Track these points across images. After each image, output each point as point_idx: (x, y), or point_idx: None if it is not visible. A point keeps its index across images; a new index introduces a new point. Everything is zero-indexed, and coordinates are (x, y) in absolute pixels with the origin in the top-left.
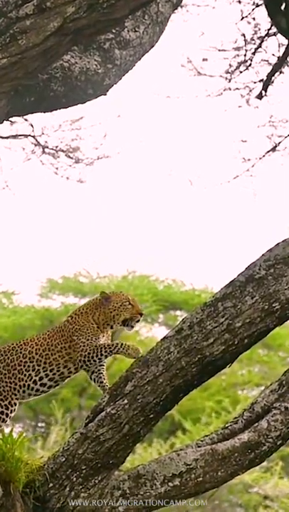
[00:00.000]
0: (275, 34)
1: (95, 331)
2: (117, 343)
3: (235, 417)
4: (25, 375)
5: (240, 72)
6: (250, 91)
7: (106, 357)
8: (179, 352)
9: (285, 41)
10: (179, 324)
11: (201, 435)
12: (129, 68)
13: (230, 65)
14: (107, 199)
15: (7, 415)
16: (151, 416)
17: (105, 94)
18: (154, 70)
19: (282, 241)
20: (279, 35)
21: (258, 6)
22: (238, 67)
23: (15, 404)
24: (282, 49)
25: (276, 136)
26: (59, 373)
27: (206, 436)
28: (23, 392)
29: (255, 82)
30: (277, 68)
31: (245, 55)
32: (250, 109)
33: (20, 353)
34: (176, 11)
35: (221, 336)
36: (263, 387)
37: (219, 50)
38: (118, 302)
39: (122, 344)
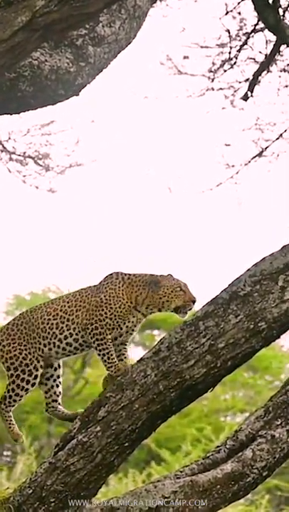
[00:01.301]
0: (262, 30)
1: (126, 311)
2: (113, 354)
3: (218, 446)
4: (49, 333)
5: (225, 70)
6: (235, 91)
7: (96, 347)
8: (157, 375)
9: (272, 37)
10: (156, 345)
11: (181, 465)
12: (103, 66)
13: (213, 63)
14: (79, 211)
15: (31, 384)
16: (126, 444)
17: (78, 95)
18: (130, 68)
19: (269, 255)
20: (266, 31)
21: None
22: (221, 66)
23: (40, 367)
24: (270, 46)
25: (263, 140)
26: (81, 335)
27: (186, 466)
28: (50, 350)
29: (240, 82)
30: (264, 67)
31: (229, 53)
32: (234, 110)
33: (45, 311)
34: (154, 4)
35: (203, 358)
36: (247, 414)
37: (201, 47)
38: (169, 288)
39: (114, 359)
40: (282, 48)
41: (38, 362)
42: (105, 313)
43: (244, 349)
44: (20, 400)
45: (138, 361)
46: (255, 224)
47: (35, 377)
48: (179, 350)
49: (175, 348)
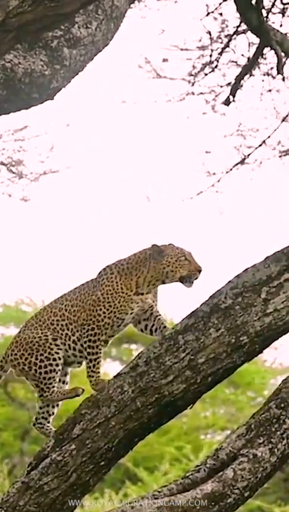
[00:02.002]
0: (244, 32)
1: (126, 303)
2: (98, 365)
3: (198, 465)
4: (61, 334)
5: (205, 74)
6: (217, 96)
7: (87, 347)
8: (134, 391)
9: (255, 40)
10: (134, 359)
11: (159, 485)
12: (79, 69)
13: (193, 67)
14: (53, 220)
15: (55, 365)
16: (102, 463)
17: (52, 99)
18: (107, 71)
19: (251, 266)
20: (249, 33)
21: (225, 0)
22: (202, 69)
23: (57, 353)
24: (253, 49)
25: (245, 147)
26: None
27: (164, 486)
28: (66, 351)
29: (221, 86)
30: (246, 70)
31: (210, 56)
32: (216, 116)
33: (51, 311)
34: (133, 5)
35: (182, 373)
36: (228, 432)
37: (181, 50)
38: (173, 257)
39: (97, 373)
40: (266, 50)
41: (57, 348)
42: (103, 312)
43: (225, 364)
44: (55, 381)
45: (115, 377)
46: (237, 234)
47: (54, 359)
48: (157, 366)
49: (153, 363)
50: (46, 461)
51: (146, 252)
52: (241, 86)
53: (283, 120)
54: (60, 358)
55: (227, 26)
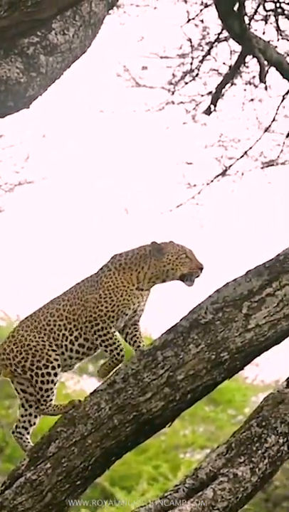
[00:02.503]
0: (226, 39)
1: (129, 296)
2: (119, 347)
3: (176, 485)
4: (58, 335)
5: (186, 83)
6: (197, 105)
7: (101, 342)
8: (111, 408)
9: (237, 47)
10: (111, 376)
11: (136, 505)
12: (56, 77)
13: (173, 75)
14: (28, 232)
15: (53, 374)
16: (78, 482)
17: (28, 108)
18: (85, 79)
19: (232, 281)
20: (231, 41)
21: (206, 6)
22: (182, 78)
23: (56, 360)
24: (235, 57)
25: (226, 158)
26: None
27: (142, 506)
28: (62, 354)
29: (202, 95)
30: (228, 79)
31: (191, 64)
32: (196, 126)
33: (47, 312)
34: (111, 11)
35: (160, 390)
36: (208, 450)
37: (161, 58)
38: (174, 255)
39: (120, 352)
40: (248, 58)
41: (51, 356)
42: (105, 307)
43: (205, 381)
44: (53, 393)
45: (91, 393)
46: (217, 248)
47: (53, 368)
48: (135, 382)
49: (131, 380)
50: (20, 480)
51: (146, 248)
52: (222, 95)
53: (266, 130)
54: (58, 366)
55: (208, 33)
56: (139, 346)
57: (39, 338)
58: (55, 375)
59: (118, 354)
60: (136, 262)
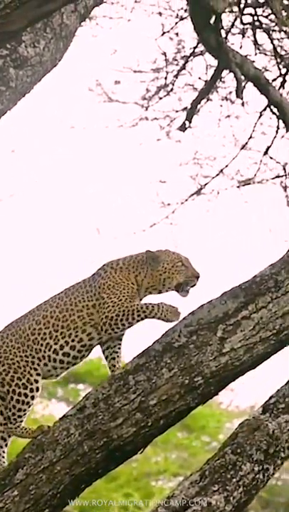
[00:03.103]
0: (202, 53)
1: (132, 292)
2: (153, 305)
3: None
4: (42, 345)
5: (160, 98)
6: (172, 121)
7: (137, 321)
8: (81, 434)
9: (213, 62)
10: (81, 401)
11: None
12: (26, 91)
13: (147, 90)
14: None
15: (30, 397)
16: (47, 511)
17: None
18: (56, 94)
19: (207, 303)
20: (207, 55)
21: (182, 19)
22: (157, 93)
23: (36, 381)
24: (211, 71)
25: (201, 176)
26: (78, 339)
27: None
28: (45, 365)
29: (177, 111)
30: (204, 94)
31: (165, 78)
32: (170, 143)
33: (33, 320)
34: (83, 23)
35: (132, 416)
36: (181, 478)
37: (135, 72)
38: (169, 263)
39: (158, 305)
40: (224, 73)
41: (32, 376)
42: (114, 301)
43: (178, 406)
44: (25, 415)
45: (61, 419)
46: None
47: (31, 390)
48: (106, 407)
49: (102, 405)
50: None
51: (143, 255)
52: (198, 111)
53: (242, 148)
54: (37, 390)
55: (183, 47)
56: (114, 366)
57: (23, 352)
58: (32, 397)
59: (162, 311)
60: (134, 265)
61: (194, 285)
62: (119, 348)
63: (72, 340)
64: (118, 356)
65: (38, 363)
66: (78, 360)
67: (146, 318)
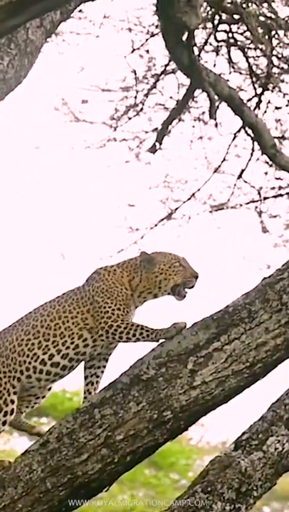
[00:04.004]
0: (173, 71)
1: (127, 299)
2: (158, 330)
3: None
4: (28, 356)
5: (129, 118)
6: (141, 143)
7: (135, 341)
8: (44, 470)
9: (185, 81)
10: (44, 435)
11: None
12: None
13: (116, 110)
14: None
15: (3, 422)
16: None
17: None
18: (20, 113)
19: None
20: (179, 73)
21: (153, 35)
22: (126, 112)
23: (12, 402)
24: (183, 90)
25: (172, 200)
26: (73, 346)
27: None
28: (28, 377)
29: (147, 132)
30: (175, 115)
31: (135, 97)
32: (140, 165)
33: (21, 330)
34: (49, 39)
35: (98, 452)
36: None
37: (103, 91)
38: (166, 264)
39: (162, 329)
40: (197, 93)
41: (10, 395)
42: (110, 307)
43: (146, 442)
44: None
45: (23, 454)
46: (162, 298)
47: (5, 414)
48: (70, 442)
49: (66, 440)
50: None
51: (137, 258)
52: (169, 132)
53: (215, 171)
54: (12, 413)
55: (154, 65)
56: (89, 392)
57: (6, 368)
58: (4, 423)
59: (149, 333)
60: (127, 270)
61: (193, 286)
62: (102, 372)
63: (67, 348)
64: (97, 382)
65: (18, 377)
66: (66, 371)
67: (138, 339)
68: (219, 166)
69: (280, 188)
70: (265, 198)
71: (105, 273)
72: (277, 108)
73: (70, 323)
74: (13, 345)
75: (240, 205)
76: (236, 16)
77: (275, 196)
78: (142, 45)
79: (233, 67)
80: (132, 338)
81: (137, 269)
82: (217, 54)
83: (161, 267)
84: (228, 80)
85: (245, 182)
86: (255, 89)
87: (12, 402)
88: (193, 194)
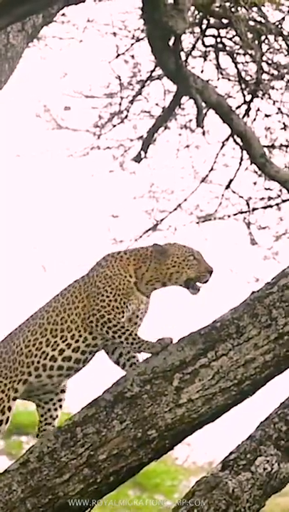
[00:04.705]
0: (159, 78)
1: (128, 287)
2: (144, 342)
3: None
4: (36, 356)
5: (113, 125)
6: (126, 151)
7: (119, 342)
8: (24, 491)
9: (172, 87)
10: (24, 454)
11: None
12: None
13: (100, 117)
14: None
15: None
16: None
17: None
18: (1, 119)
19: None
20: (165, 79)
21: (138, 40)
22: (110, 120)
23: (9, 409)
24: (169, 97)
25: (158, 211)
26: (82, 339)
27: None
28: (38, 376)
29: (132, 140)
30: (161, 122)
31: (120, 104)
32: (124, 174)
33: (28, 331)
34: (31, 44)
35: (80, 472)
36: None
37: (86, 97)
38: (180, 256)
39: (148, 342)
40: (184, 100)
41: (9, 401)
42: (107, 296)
43: (130, 462)
44: None
45: (2, 474)
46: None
47: (0, 422)
48: (51, 462)
49: (47, 459)
50: None
51: (148, 249)
52: (154, 140)
53: (202, 181)
54: (6, 422)
55: (139, 71)
56: (134, 364)
57: (12, 373)
58: None
59: (134, 341)
60: (135, 258)
61: (207, 281)
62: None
63: (76, 341)
64: (134, 356)
65: (25, 379)
66: (80, 364)
67: (117, 336)
68: (206, 176)
69: (269, 198)
70: (254, 209)
71: (112, 259)
72: (266, 116)
73: (74, 315)
74: (20, 348)
75: (228, 216)
76: (225, 21)
77: (264, 207)
78: (127, 50)
79: (222, 73)
80: (117, 338)
81: (146, 259)
82: (205, 59)
83: (174, 259)
84: (216, 87)
85: (234, 192)
86: (244, 96)
87: (9, 409)
88: (180, 205)
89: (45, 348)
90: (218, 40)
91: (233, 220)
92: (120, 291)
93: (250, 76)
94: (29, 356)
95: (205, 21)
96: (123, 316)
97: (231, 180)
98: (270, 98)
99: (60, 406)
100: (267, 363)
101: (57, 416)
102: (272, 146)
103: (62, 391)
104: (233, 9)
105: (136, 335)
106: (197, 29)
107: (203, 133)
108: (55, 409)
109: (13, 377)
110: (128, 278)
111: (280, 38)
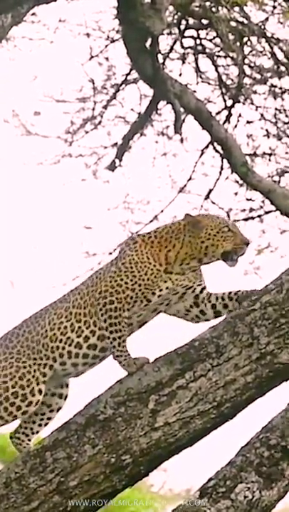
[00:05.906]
0: (135, 81)
1: (155, 277)
2: (126, 354)
3: None
4: (61, 341)
5: (86, 132)
6: (99, 159)
7: (108, 334)
8: None
9: (148, 91)
10: None
11: None
12: None
13: (72, 123)
14: None
15: (23, 412)
16: None
17: None
18: None
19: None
20: (141, 83)
21: (113, 41)
22: (82, 126)
23: (40, 392)
24: (145, 102)
25: (133, 222)
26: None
27: None
28: (63, 364)
29: (105, 147)
30: (137, 129)
31: (93, 109)
32: (98, 183)
33: (54, 313)
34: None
35: (49, 499)
36: None
37: (57, 101)
38: (214, 228)
39: (128, 356)
40: (161, 104)
41: (38, 384)
42: (126, 282)
43: (102, 488)
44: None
45: None
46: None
47: (30, 404)
48: (19, 488)
49: (14, 486)
50: None
51: (180, 223)
52: (130, 148)
53: (180, 191)
54: (36, 404)
55: (114, 74)
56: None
57: (36, 355)
58: (25, 413)
59: (119, 351)
60: (167, 238)
61: (243, 253)
62: (212, 295)
63: (100, 328)
64: (223, 297)
65: (51, 365)
66: (107, 352)
67: (110, 338)
68: (185, 186)
69: (251, 210)
70: (235, 221)
71: (142, 244)
72: (248, 122)
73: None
74: (45, 330)
75: None
76: (205, 21)
77: (245, 219)
78: (100, 51)
79: (201, 77)
80: (109, 327)
81: (180, 234)
82: (183, 62)
83: (209, 231)
84: (195, 91)
85: (213, 203)
86: (224, 101)
87: (40, 392)
88: (156, 216)
89: (70, 334)
90: (198, 41)
91: None
92: (144, 281)
93: (232, 80)
94: (54, 340)
95: (184, 22)
96: (130, 308)
97: (211, 191)
98: (252, 103)
99: (47, 422)
100: (248, 384)
101: (37, 432)
102: (255, 155)
103: (61, 396)
104: (213, 9)
105: (124, 341)
106: (175, 30)
107: (182, 140)
108: (40, 425)
109: (38, 360)
110: (157, 267)
111: (263, 40)
